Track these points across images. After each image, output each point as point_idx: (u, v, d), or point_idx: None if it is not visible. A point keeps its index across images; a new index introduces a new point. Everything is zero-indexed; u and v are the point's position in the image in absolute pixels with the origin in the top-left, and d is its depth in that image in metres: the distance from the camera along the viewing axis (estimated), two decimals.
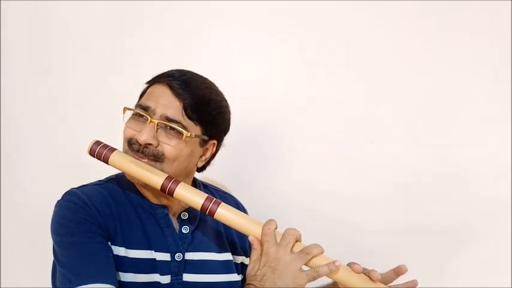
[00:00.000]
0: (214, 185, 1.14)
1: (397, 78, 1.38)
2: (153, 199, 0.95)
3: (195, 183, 1.04)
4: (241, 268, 1.03)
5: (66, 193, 0.91)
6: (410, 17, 1.39)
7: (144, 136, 0.86)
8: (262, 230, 0.85)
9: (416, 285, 0.90)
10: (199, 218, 0.99)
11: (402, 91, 1.38)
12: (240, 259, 1.04)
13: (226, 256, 1.00)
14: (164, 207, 0.95)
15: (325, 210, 1.37)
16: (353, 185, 1.38)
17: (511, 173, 1.34)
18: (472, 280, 1.32)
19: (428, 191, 1.37)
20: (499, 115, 1.36)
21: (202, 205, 0.87)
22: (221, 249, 1.00)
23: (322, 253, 0.84)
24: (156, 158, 0.88)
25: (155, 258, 0.89)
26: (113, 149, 0.89)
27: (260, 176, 1.41)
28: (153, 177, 0.86)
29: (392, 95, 1.39)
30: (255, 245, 0.85)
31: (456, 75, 1.37)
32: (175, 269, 0.90)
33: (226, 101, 0.98)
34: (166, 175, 0.87)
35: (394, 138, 1.38)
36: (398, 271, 0.90)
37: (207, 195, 0.89)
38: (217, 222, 1.01)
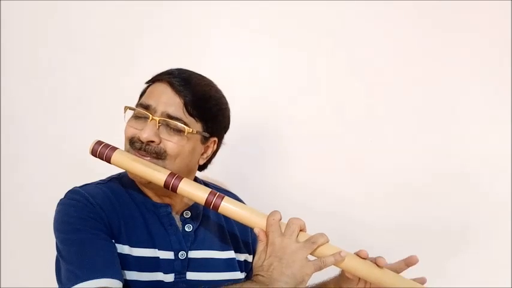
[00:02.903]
0: (215, 183, 1.14)
1: (397, 78, 1.39)
2: (155, 198, 0.95)
3: (197, 181, 1.04)
4: (245, 266, 1.04)
5: (69, 191, 0.91)
6: (410, 17, 1.39)
7: (146, 133, 0.86)
8: (267, 220, 0.85)
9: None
10: (202, 217, 0.99)
11: (402, 91, 1.39)
12: (243, 257, 1.04)
13: (229, 254, 1.00)
14: (167, 205, 0.95)
15: (326, 209, 1.37)
16: (353, 185, 1.38)
17: (511, 173, 1.35)
18: (472, 280, 1.32)
19: (428, 191, 1.37)
20: (499, 115, 1.36)
21: (206, 199, 0.87)
22: (224, 247, 1.00)
23: (327, 242, 0.85)
24: (158, 155, 0.88)
25: (159, 257, 0.89)
26: (114, 148, 0.89)
27: (260, 175, 1.41)
28: (156, 174, 0.86)
29: (392, 95, 1.39)
30: (261, 236, 0.85)
31: (456, 75, 1.37)
32: (179, 267, 0.91)
33: (225, 98, 0.99)
34: (169, 171, 0.87)
35: (394, 138, 1.38)
36: (409, 262, 0.91)
37: (210, 189, 0.89)
38: (219, 220, 1.02)
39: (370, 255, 0.91)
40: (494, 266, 1.35)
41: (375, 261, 0.89)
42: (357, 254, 0.88)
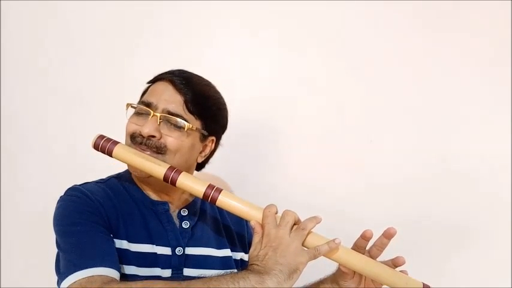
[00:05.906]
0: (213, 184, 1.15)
1: (397, 78, 1.39)
2: (153, 195, 0.97)
3: None
4: (241, 264, 1.04)
5: (69, 189, 0.93)
6: (410, 17, 1.39)
7: (147, 128, 0.89)
8: (263, 212, 0.87)
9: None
10: (199, 214, 1.00)
11: (402, 91, 1.39)
12: (239, 255, 1.05)
13: (226, 252, 1.01)
14: (165, 203, 0.96)
15: (325, 209, 1.36)
16: (353, 184, 1.38)
17: (511, 172, 1.35)
18: (472, 280, 1.32)
19: (428, 191, 1.37)
20: (499, 115, 1.36)
21: (205, 193, 0.88)
22: (221, 245, 1.01)
23: (319, 222, 0.86)
24: (158, 150, 0.90)
25: (156, 253, 0.90)
26: (116, 142, 0.91)
27: (260, 174, 1.41)
28: (156, 167, 0.88)
29: (392, 95, 1.39)
30: (257, 229, 0.86)
31: (456, 75, 1.37)
32: (176, 263, 0.92)
33: (224, 99, 1.01)
34: (169, 165, 0.89)
35: (394, 138, 1.38)
36: (396, 262, 0.91)
37: (208, 183, 0.90)
38: (216, 218, 1.04)
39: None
40: (494, 266, 1.35)
41: (369, 253, 0.91)
42: (362, 236, 0.91)
